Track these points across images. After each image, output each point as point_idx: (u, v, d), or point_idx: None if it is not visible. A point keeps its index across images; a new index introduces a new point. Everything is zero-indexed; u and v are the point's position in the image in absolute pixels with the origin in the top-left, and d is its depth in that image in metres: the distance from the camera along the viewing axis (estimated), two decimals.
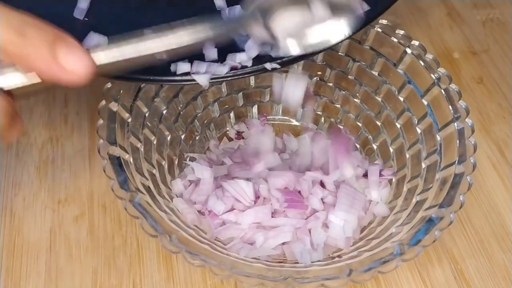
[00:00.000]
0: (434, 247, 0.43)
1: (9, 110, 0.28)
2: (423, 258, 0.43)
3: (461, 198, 0.34)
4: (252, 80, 0.48)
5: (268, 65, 0.34)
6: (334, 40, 0.33)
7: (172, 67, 0.34)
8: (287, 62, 0.34)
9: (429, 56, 0.41)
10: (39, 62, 0.27)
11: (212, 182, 0.42)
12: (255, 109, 0.50)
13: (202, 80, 0.34)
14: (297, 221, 0.40)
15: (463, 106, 0.38)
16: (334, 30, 0.33)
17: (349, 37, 0.34)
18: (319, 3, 0.32)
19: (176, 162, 0.44)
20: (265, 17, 0.32)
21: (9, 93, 0.28)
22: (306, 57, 0.35)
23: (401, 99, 0.42)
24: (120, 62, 0.29)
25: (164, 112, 0.43)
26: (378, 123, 0.45)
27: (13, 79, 0.28)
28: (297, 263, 0.38)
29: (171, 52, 0.30)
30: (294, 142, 0.48)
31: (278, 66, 0.34)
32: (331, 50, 0.45)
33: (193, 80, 0.34)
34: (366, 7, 0.34)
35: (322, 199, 0.42)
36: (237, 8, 0.36)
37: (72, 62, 0.27)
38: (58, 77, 0.27)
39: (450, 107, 0.38)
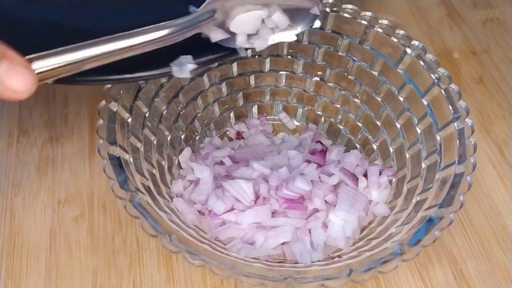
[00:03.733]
0: (434, 247, 0.43)
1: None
2: (423, 258, 0.43)
3: (461, 198, 0.34)
4: (252, 80, 0.48)
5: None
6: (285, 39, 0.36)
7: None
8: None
9: (429, 56, 0.41)
10: None
11: (211, 182, 0.42)
12: (255, 109, 0.50)
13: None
14: (297, 221, 0.40)
15: (463, 106, 0.38)
16: (287, 35, 0.36)
17: None
18: (279, 11, 0.34)
19: (176, 162, 0.44)
20: (223, 17, 0.33)
21: None
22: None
23: (401, 99, 0.42)
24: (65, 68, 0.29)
25: (164, 112, 0.43)
26: (378, 123, 0.45)
27: None
28: (297, 263, 0.38)
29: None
30: (294, 140, 0.48)
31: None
32: (331, 50, 0.45)
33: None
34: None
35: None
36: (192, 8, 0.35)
37: (14, 80, 0.26)
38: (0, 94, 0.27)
39: (450, 107, 0.38)
